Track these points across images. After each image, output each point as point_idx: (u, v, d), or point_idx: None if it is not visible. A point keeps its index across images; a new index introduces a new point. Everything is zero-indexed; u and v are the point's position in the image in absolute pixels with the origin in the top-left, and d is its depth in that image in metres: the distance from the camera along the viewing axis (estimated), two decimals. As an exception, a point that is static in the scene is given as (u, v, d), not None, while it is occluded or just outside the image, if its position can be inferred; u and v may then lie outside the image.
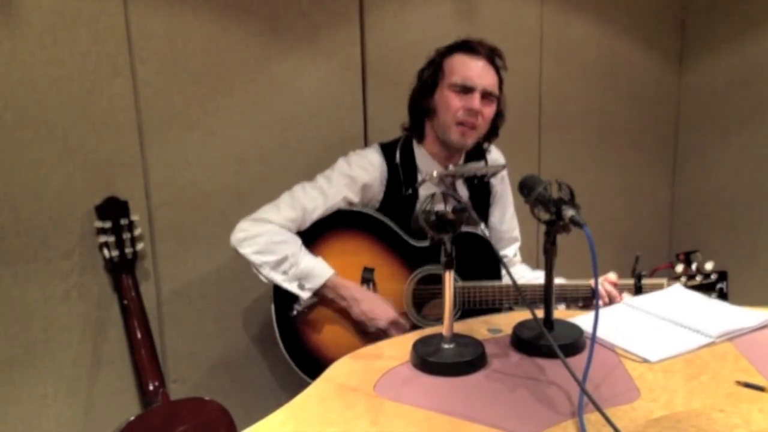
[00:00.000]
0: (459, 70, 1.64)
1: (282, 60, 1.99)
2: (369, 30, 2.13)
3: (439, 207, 1.27)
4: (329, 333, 1.66)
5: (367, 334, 1.65)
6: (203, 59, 1.87)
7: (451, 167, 1.70)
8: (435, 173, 1.58)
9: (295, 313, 1.65)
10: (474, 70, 1.64)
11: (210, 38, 1.87)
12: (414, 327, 1.65)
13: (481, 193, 1.83)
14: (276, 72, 1.99)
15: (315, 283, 1.59)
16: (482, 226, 1.21)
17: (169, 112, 1.85)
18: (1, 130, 1.64)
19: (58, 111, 1.70)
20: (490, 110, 1.69)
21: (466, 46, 1.68)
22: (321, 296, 1.63)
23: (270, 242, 1.59)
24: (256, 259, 1.60)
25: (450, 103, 1.64)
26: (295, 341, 1.65)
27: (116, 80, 1.76)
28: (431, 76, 1.69)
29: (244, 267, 1.67)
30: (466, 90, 1.64)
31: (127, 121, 1.79)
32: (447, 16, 2.27)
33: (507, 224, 1.91)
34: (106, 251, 1.75)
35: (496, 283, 1.65)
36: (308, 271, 1.59)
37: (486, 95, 1.65)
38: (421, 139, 1.76)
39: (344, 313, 1.66)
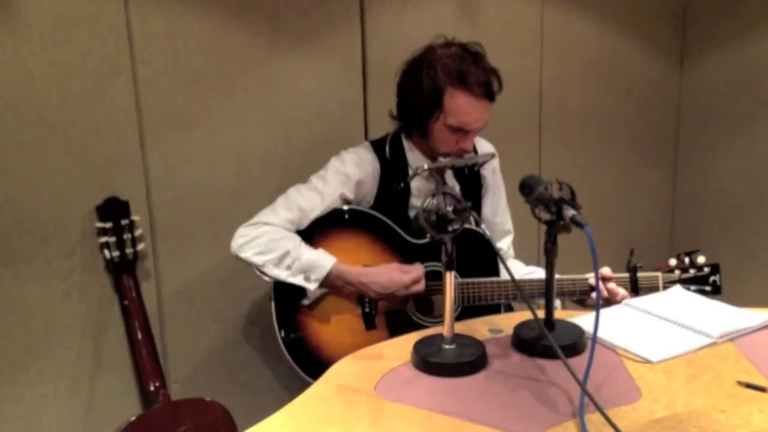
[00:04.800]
0: (457, 113, 1.60)
1: (282, 60, 1.99)
2: (370, 30, 2.13)
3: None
4: (330, 332, 1.66)
5: (371, 331, 1.66)
6: (204, 59, 1.87)
7: (441, 159, 1.68)
8: (426, 165, 1.57)
9: (304, 305, 1.64)
10: (472, 114, 1.60)
11: (210, 38, 1.87)
12: (416, 326, 1.65)
13: (472, 185, 1.83)
14: (277, 72, 1.99)
15: (320, 273, 1.58)
16: (482, 226, 1.20)
17: (169, 112, 1.85)
18: (1, 130, 1.64)
19: (59, 111, 1.70)
20: (478, 134, 1.70)
21: (466, 83, 1.58)
22: (329, 286, 1.62)
23: (269, 241, 1.59)
24: (258, 260, 1.59)
25: (444, 140, 1.64)
26: (296, 341, 1.65)
27: (117, 80, 1.76)
28: (428, 103, 1.61)
29: (245, 267, 1.67)
30: (462, 131, 1.63)
31: (127, 122, 1.79)
32: (448, 16, 2.26)
33: (500, 216, 1.91)
34: (106, 252, 1.75)
35: (495, 279, 1.65)
36: (311, 263, 1.58)
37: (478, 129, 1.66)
38: (410, 136, 1.75)
39: (345, 312, 1.66)
